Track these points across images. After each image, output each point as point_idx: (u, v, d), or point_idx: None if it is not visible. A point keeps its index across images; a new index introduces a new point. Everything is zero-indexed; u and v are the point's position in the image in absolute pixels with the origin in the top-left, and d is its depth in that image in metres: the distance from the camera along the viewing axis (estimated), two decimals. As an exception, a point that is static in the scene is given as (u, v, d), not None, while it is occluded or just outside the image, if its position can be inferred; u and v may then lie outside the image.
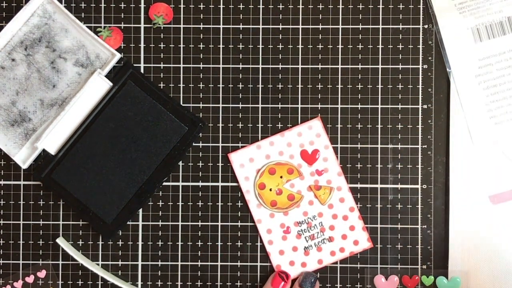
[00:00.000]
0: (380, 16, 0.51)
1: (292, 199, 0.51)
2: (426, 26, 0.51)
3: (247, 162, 0.51)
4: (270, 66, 0.51)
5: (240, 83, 0.51)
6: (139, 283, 0.51)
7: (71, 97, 0.51)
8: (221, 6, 0.51)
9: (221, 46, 0.51)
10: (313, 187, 0.51)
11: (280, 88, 0.51)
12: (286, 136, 0.51)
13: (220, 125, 0.51)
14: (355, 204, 0.51)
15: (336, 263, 0.51)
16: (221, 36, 0.51)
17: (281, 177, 0.51)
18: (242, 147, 0.51)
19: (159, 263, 0.51)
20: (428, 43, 0.51)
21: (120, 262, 0.52)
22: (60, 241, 0.50)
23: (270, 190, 0.51)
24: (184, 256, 0.51)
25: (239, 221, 0.51)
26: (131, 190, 0.51)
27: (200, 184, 0.51)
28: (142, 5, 0.52)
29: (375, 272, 0.51)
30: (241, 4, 0.51)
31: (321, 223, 0.51)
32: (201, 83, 0.51)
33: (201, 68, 0.52)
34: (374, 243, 0.51)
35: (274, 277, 0.50)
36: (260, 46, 0.51)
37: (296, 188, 0.51)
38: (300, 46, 0.51)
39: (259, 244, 0.51)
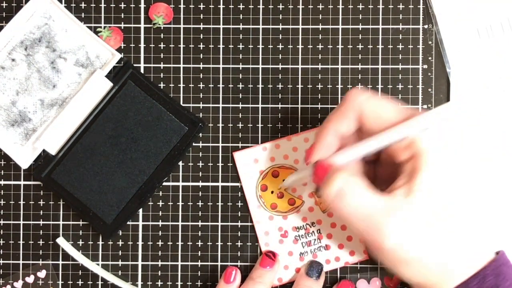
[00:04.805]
0: (380, 16, 0.51)
1: (293, 203, 0.51)
2: (426, 26, 0.51)
3: (251, 162, 0.51)
4: (270, 66, 0.51)
5: (240, 83, 0.51)
6: (139, 283, 0.51)
7: (71, 97, 0.51)
8: (221, 6, 0.51)
9: (221, 46, 0.51)
10: (314, 193, 0.51)
11: (280, 88, 0.51)
12: (293, 141, 0.51)
13: (220, 125, 0.51)
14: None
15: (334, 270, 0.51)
16: (221, 36, 0.51)
17: (283, 180, 0.50)
18: (247, 147, 0.51)
19: (159, 263, 0.51)
20: (428, 43, 0.51)
21: (120, 262, 0.52)
22: (60, 241, 0.50)
23: (272, 192, 0.51)
24: (184, 256, 0.51)
25: (239, 221, 0.51)
26: (131, 190, 0.51)
27: (200, 184, 0.51)
28: (142, 5, 0.52)
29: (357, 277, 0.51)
30: (241, 4, 0.51)
31: (319, 230, 0.51)
32: (201, 83, 0.51)
33: (201, 68, 0.52)
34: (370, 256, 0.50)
35: (261, 258, 0.50)
36: (260, 46, 0.51)
37: (297, 193, 0.51)
38: (300, 46, 0.51)
39: (259, 244, 0.51)
